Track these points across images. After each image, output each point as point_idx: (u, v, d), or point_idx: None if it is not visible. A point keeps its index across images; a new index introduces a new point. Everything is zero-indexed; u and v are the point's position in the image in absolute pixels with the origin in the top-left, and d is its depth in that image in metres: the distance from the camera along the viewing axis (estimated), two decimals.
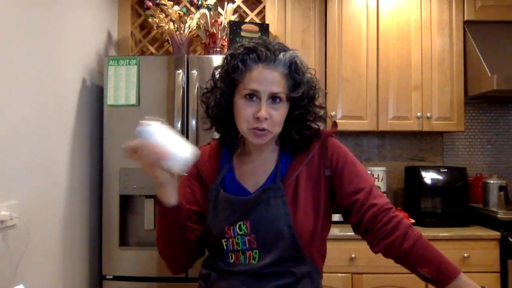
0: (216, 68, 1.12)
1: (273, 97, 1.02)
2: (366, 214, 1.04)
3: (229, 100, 1.07)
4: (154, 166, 0.92)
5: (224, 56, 1.10)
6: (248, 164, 1.13)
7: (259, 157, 1.13)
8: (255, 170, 1.11)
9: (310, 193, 1.07)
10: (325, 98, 2.52)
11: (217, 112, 1.09)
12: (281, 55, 1.04)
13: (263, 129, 1.02)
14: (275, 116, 1.03)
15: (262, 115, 1.00)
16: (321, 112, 1.12)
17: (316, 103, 1.11)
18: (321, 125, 1.13)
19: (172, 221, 1.02)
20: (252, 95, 1.02)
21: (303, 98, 1.07)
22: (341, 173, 1.08)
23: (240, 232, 1.05)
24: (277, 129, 1.05)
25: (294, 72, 1.05)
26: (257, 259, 1.04)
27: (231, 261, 1.06)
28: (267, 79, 1.02)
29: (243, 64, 1.04)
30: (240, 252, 1.05)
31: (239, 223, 1.05)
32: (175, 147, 0.93)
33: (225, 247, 1.06)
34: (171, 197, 0.99)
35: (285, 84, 1.04)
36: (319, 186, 1.08)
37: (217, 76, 1.10)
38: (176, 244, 1.07)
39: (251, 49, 1.04)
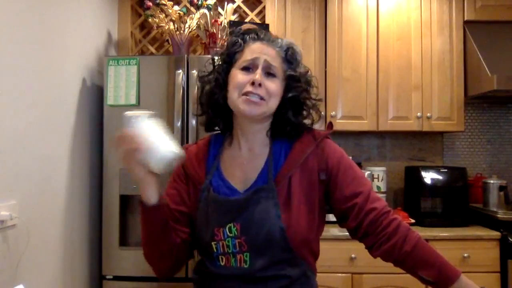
0: (217, 53, 1.17)
1: (268, 72, 1.04)
2: (365, 218, 1.02)
3: (225, 77, 1.08)
4: (130, 157, 0.90)
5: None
6: (237, 160, 1.09)
7: (248, 152, 1.09)
8: (244, 166, 1.08)
9: (304, 195, 1.03)
10: (325, 98, 2.52)
11: (212, 88, 1.08)
12: (279, 39, 1.09)
13: (257, 96, 1.01)
14: (270, 86, 1.03)
15: (257, 77, 1.01)
16: (316, 103, 1.11)
17: (312, 92, 1.11)
18: (316, 119, 1.12)
19: (152, 221, 1.00)
20: (249, 68, 1.04)
21: (299, 80, 1.07)
22: (338, 176, 1.05)
23: (230, 235, 1.01)
24: (272, 102, 1.04)
25: (290, 56, 1.08)
26: (248, 262, 1.01)
27: (222, 264, 1.03)
28: (265, 50, 1.05)
29: (242, 40, 1.08)
30: (231, 255, 1.02)
31: (229, 225, 1.01)
32: (157, 143, 0.89)
33: (215, 250, 1.03)
34: (151, 196, 0.96)
35: (281, 64, 1.06)
36: (314, 188, 1.05)
37: (217, 58, 1.12)
38: (159, 246, 1.04)
39: (250, 30, 1.10)
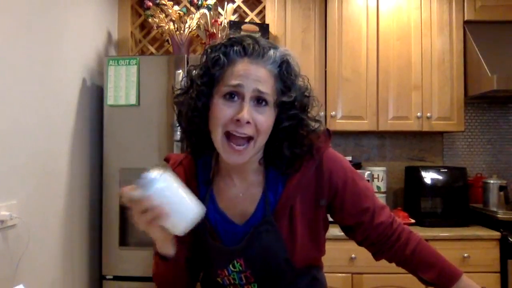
0: (194, 65, 0.95)
1: (258, 99, 0.87)
2: (372, 233, 1.01)
3: (206, 102, 0.89)
4: (151, 225, 0.79)
5: (204, 49, 0.93)
6: (231, 190, 0.98)
7: (242, 181, 0.97)
8: (240, 198, 0.97)
9: (308, 220, 0.97)
10: (325, 98, 2.52)
11: (190, 116, 0.91)
12: (271, 51, 0.89)
13: (244, 138, 0.86)
14: (260, 121, 0.86)
15: (244, 116, 0.83)
16: (315, 126, 0.95)
17: (309, 115, 0.94)
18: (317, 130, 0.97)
19: (173, 269, 0.94)
20: (233, 94, 0.86)
21: (294, 106, 0.90)
22: (343, 196, 0.98)
23: (235, 270, 0.97)
24: (261, 139, 0.88)
25: (285, 72, 0.90)
26: None
27: None
28: (253, 75, 0.86)
29: (225, 56, 0.88)
30: (238, 286, 1.00)
31: (232, 262, 0.96)
32: (179, 207, 0.79)
33: (221, 282, 1.01)
34: (168, 250, 0.89)
35: (273, 85, 0.89)
36: (318, 212, 0.98)
37: (195, 74, 0.93)
38: (182, 282, 1.00)
39: (236, 40, 0.89)
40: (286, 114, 0.90)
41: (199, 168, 1.01)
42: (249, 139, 0.87)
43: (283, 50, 0.92)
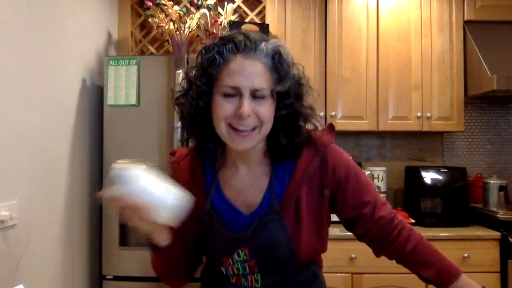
0: (191, 67, 0.98)
1: (255, 95, 0.90)
2: (373, 227, 1.02)
3: (207, 100, 0.93)
4: (133, 217, 0.81)
5: (199, 51, 0.96)
6: (237, 181, 1.01)
7: (248, 172, 1.01)
8: (246, 188, 1.00)
9: (312, 212, 0.99)
10: (325, 98, 2.52)
11: (193, 115, 0.94)
12: (262, 45, 0.91)
13: (248, 130, 0.90)
14: (262, 112, 0.90)
15: (245, 111, 0.87)
16: (311, 113, 0.98)
17: (304, 103, 0.97)
18: (314, 124, 1.00)
19: (167, 257, 0.95)
20: (232, 93, 0.90)
21: (289, 95, 0.93)
22: (345, 188, 1.00)
23: (239, 259, 0.98)
24: (265, 128, 0.92)
25: (278, 63, 0.92)
26: (260, 282, 1.00)
27: (233, 282, 1.02)
28: (248, 71, 0.89)
29: (219, 55, 0.91)
30: (241, 276, 1.01)
31: (237, 251, 0.98)
32: (158, 195, 0.79)
33: (224, 272, 1.01)
34: (162, 240, 0.91)
35: (269, 77, 0.91)
36: (322, 203, 1.00)
37: (192, 75, 0.96)
38: (178, 272, 1.01)
39: (228, 38, 0.92)
40: (283, 103, 0.94)
41: (205, 161, 1.04)
42: (253, 128, 0.91)
43: (274, 41, 0.94)
